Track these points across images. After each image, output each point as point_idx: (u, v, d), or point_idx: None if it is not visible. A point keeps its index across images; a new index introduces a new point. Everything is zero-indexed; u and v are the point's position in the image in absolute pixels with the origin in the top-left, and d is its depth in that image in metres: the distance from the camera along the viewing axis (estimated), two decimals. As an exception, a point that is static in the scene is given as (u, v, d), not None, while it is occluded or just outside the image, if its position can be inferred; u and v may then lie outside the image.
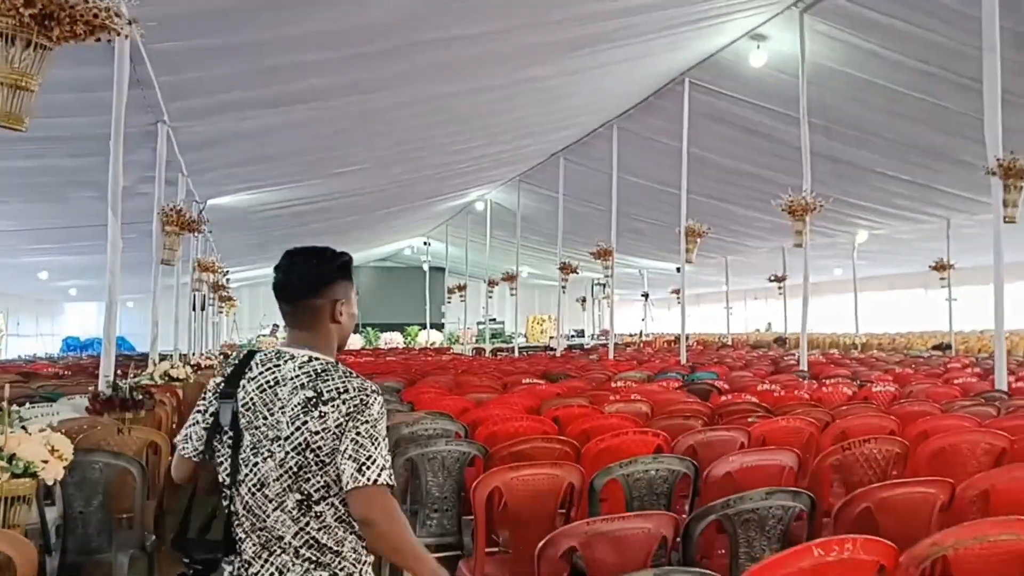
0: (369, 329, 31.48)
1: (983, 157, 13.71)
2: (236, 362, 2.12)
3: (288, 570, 1.93)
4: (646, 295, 28.45)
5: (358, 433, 1.90)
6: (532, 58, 9.33)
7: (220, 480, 2.01)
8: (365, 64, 8.12)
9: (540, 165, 19.14)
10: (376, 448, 1.91)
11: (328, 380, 1.96)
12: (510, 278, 21.23)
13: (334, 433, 1.91)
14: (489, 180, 20.42)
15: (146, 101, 7.63)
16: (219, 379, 2.11)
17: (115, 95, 5.97)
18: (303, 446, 1.91)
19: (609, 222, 21.44)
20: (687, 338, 26.69)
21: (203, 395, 2.12)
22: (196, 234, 9.22)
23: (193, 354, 16.99)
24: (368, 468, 1.87)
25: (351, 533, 1.98)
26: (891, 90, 11.74)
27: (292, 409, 1.94)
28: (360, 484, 1.85)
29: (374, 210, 19.73)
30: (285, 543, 1.93)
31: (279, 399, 1.97)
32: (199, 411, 2.11)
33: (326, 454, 1.91)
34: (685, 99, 12.87)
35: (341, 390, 1.95)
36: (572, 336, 34.44)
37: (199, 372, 11.72)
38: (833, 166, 15.10)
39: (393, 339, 30.96)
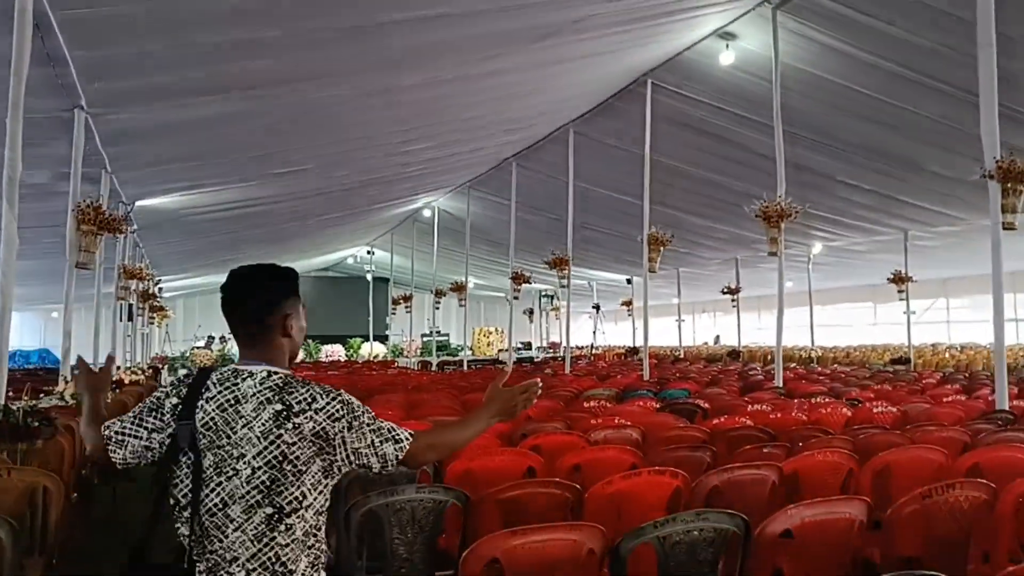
0: (309, 341, 30.26)
1: (950, 166, 13.70)
2: (190, 381, 2.12)
3: None
4: (597, 307, 27.90)
5: (369, 427, 2.06)
6: (494, 48, 8.58)
7: (175, 503, 2.02)
8: (310, 46, 7.26)
9: (491, 171, 18.41)
10: (386, 425, 2.10)
11: (294, 392, 2.02)
12: (458, 288, 20.40)
13: (310, 441, 1.99)
14: (438, 186, 19.61)
15: (59, 81, 6.67)
16: (174, 399, 2.09)
17: (13, 64, 5.04)
18: (280, 459, 1.97)
19: (561, 231, 20.91)
20: (636, 352, 26.32)
21: (153, 411, 2.10)
22: (117, 235, 8.20)
23: (118, 368, 15.77)
24: (399, 436, 2.09)
25: (305, 556, 2.00)
26: (860, 94, 11.30)
27: (262, 424, 1.99)
28: (406, 449, 2.08)
29: (317, 215, 18.75)
30: (238, 565, 1.95)
31: (242, 416, 2.01)
32: (144, 427, 2.09)
33: (303, 463, 1.98)
34: (647, 101, 12.27)
35: (310, 400, 2.02)
36: (519, 349, 33.77)
37: (122, 390, 10.67)
38: (794, 172, 14.66)
39: (335, 352, 29.82)
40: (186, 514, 1.98)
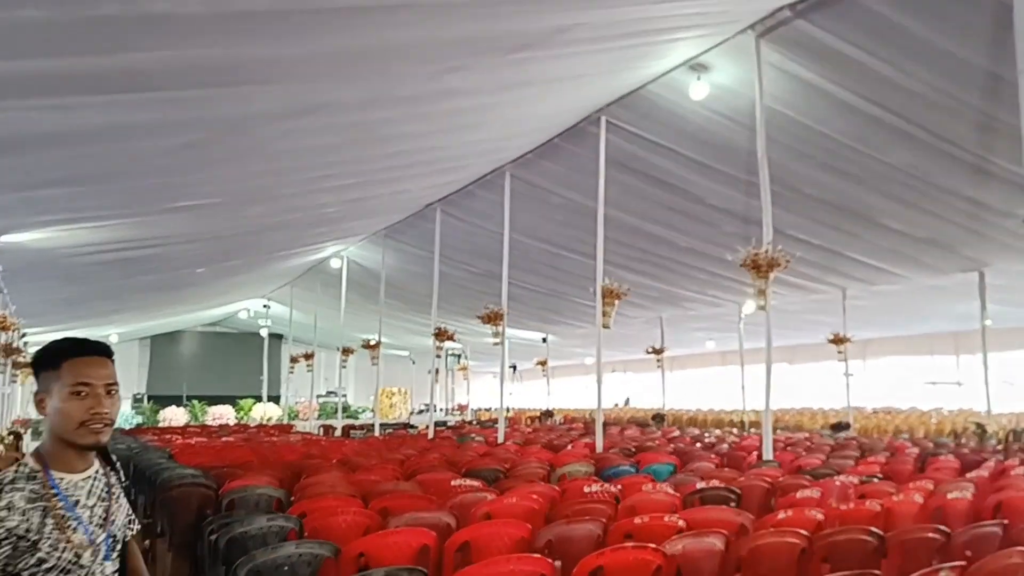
0: (195, 402, 27.72)
1: (905, 220, 13.15)
2: None
3: None
4: (514, 366, 26.50)
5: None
6: (460, 57, 7.26)
7: None
8: (227, 35, 5.70)
9: (410, 218, 16.97)
10: None
11: None
12: (372, 347, 18.67)
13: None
14: (351, 233, 18.01)
15: None
16: None
17: None
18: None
19: (484, 284, 19.68)
20: (551, 415, 25.04)
21: None
22: None
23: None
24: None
25: None
26: (830, 140, 10.54)
27: None
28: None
29: (218, 262, 16.82)
30: None
31: None
32: None
33: None
34: (601, 141, 11.18)
35: None
36: (423, 410, 32.06)
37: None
38: (742, 225, 13.89)
39: (223, 414, 27.32)
40: None
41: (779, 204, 12.76)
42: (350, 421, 25.62)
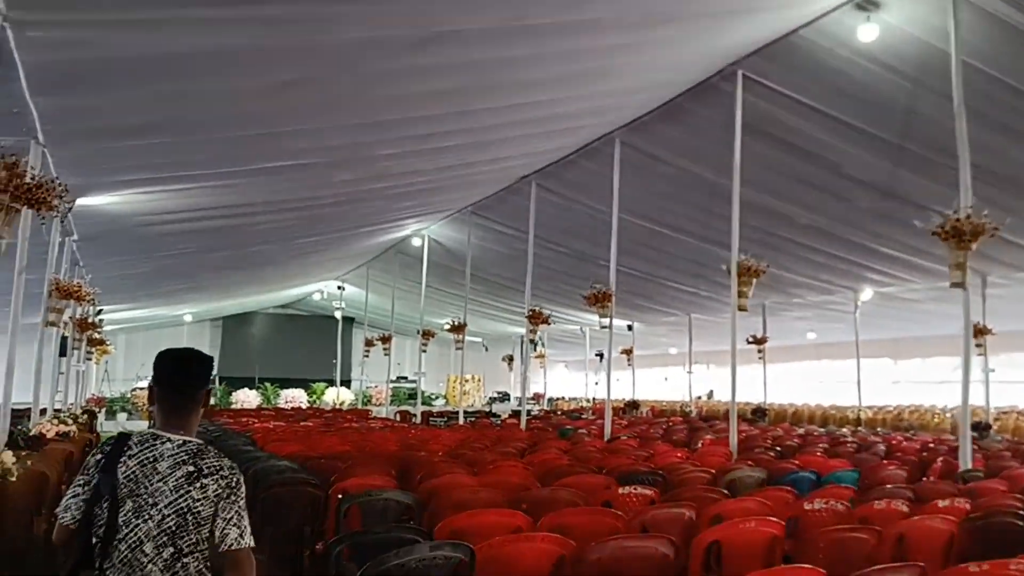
0: (267, 385, 27.08)
1: None
2: (113, 443, 2.54)
3: None
4: (600, 354, 25.20)
5: (239, 506, 2.53)
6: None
7: (94, 539, 2.40)
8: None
9: (500, 193, 15.80)
10: (247, 519, 2.55)
11: (206, 458, 2.52)
12: (456, 329, 17.56)
13: (211, 500, 2.47)
14: (436, 209, 16.92)
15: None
16: (99, 456, 2.51)
17: None
18: (184, 510, 2.43)
19: (576, 267, 18.46)
20: (636, 406, 23.68)
21: (83, 470, 2.53)
22: (42, 212, 5.26)
23: (43, 412, 12.79)
24: (246, 534, 2.52)
25: None
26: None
27: (175, 480, 2.44)
28: (243, 545, 2.49)
29: (295, 237, 15.88)
30: None
31: (159, 472, 2.45)
32: (79, 484, 2.50)
33: (202, 517, 2.45)
34: (738, 98, 9.84)
35: (218, 467, 2.52)
36: (497, 399, 31.05)
37: (43, 450, 7.69)
38: (878, 200, 12.39)
39: (295, 397, 26.64)
40: (107, 549, 2.38)
41: (926, 173, 11.30)
42: (425, 408, 24.68)
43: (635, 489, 4.83)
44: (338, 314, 27.36)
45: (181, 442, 2.49)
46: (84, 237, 12.13)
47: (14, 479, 4.99)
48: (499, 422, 18.82)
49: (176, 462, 2.44)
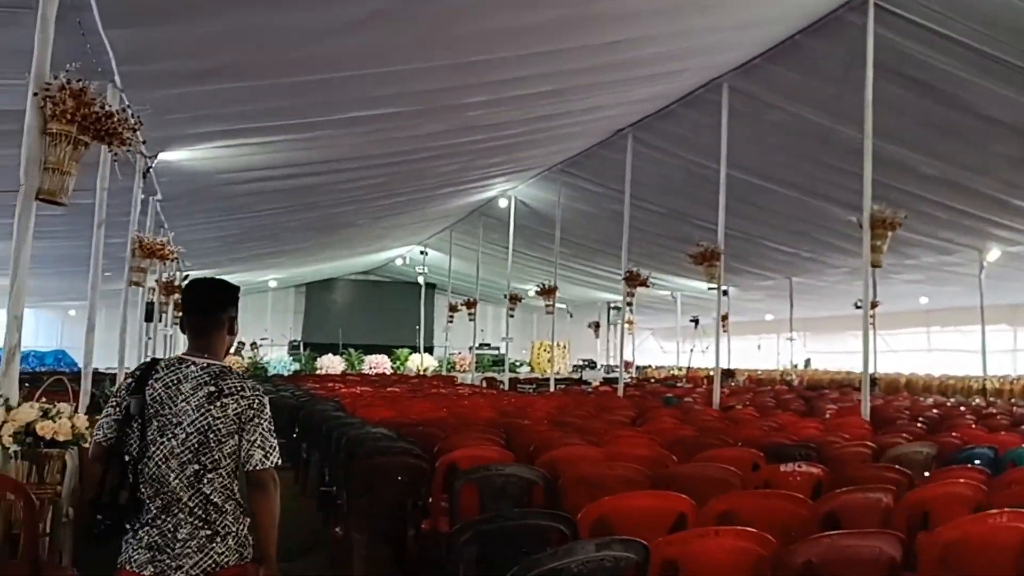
0: (351, 351, 26.93)
1: None
2: (142, 367, 2.73)
3: (180, 527, 2.54)
4: (696, 320, 24.22)
5: (264, 428, 2.65)
6: None
7: (127, 457, 2.57)
8: None
9: (593, 148, 14.95)
10: (274, 439, 2.67)
11: (227, 379, 2.65)
12: (547, 292, 16.84)
13: (232, 419, 2.60)
14: (524, 166, 16.17)
15: None
16: (129, 379, 2.71)
17: None
18: (205, 428, 2.57)
19: (668, 225, 17.52)
20: (732, 375, 22.64)
21: (116, 393, 2.75)
22: (114, 148, 4.66)
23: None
24: (272, 454, 2.64)
25: (231, 499, 2.63)
26: None
27: (196, 400, 2.59)
28: (267, 465, 2.62)
29: (380, 197, 15.36)
30: (182, 504, 2.55)
31: (182, 393, 2.61)
32: (112, 406, 2.68)
33: (223, 435, 2.58)
34: (869, 30, 8.80)
35: (239, 388, 2.65)
36: (583, 367, 30.32)
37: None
38: (1018, 146, 11.16)
39: (379, 363, 26.44)
40: (138, 466, 2.55)
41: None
42: (511, 374, 24.17)
43: (799, 467, 4.06)
44: (421, 279, 26.97)
45: (205, 364, 2.65)
46: (167, 197, 11.80)
47: (87, 445, 4.53)
48: (590, 389, 18.18)
49: (199, 383, 2.60)
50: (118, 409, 2.61)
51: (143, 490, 2.53)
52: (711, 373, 23.62)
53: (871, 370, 18.10)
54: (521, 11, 7.15)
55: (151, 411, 2.55)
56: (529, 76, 9.08)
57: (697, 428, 6.53)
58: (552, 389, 16.10)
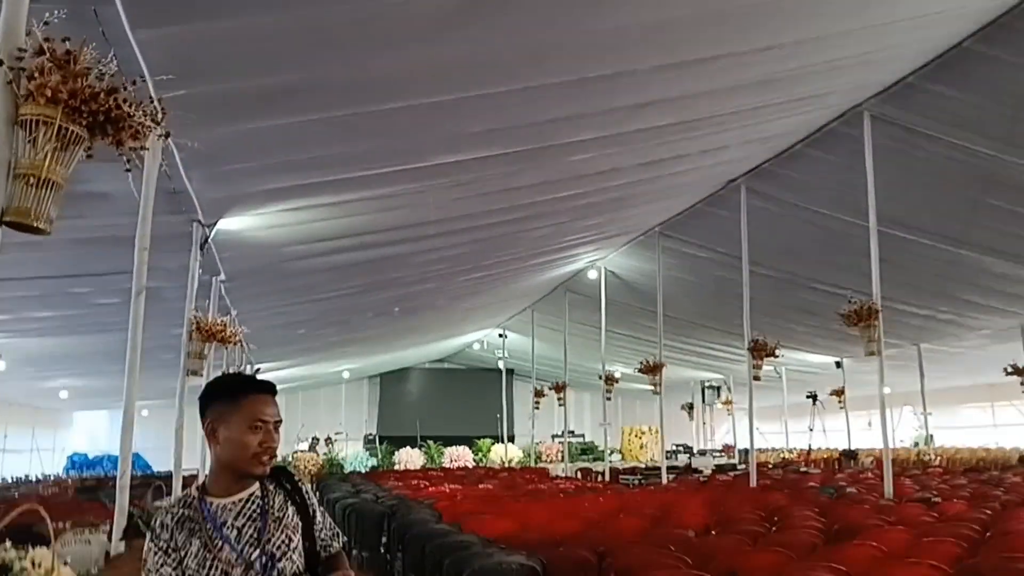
0: (430, 443, 25.22)
1: None
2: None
3: None
4: (814, 396, 21.92)
5: None
6: None
7: None
8: None
9: (699, 205, 13.28)
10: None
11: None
12: (651, 369, 14.95)
13: None
14: (617, 231, 14.58)
15: None
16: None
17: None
18: None
19: (779, 293, 15.63)
20: (854, 456, 20.15)
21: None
22: (124, 147, 3.16)
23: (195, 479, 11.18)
24: None
25: None
26: None
27: None
28: None
29: (458, 274, 13.87)
30: None
31: None
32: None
33: None
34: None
35: None
36: (676, 451, 28.01)
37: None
38: None
39: (461, 455, 24.63)
40: None
41: None
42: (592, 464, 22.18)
43: None
44: (501, 364, 25.35)
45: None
46: (231, 276, 10.47)
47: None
48: (702, 476, 16.16)
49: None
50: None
51: None
52: (833, 455, 21.25)
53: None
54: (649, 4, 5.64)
55: None
56: (650, 103, 7.54)
57: (904, 541, 4.59)
58: (664, 481, 14.04)
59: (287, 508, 2.34)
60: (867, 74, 8.80)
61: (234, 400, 2.29)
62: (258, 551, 2.20)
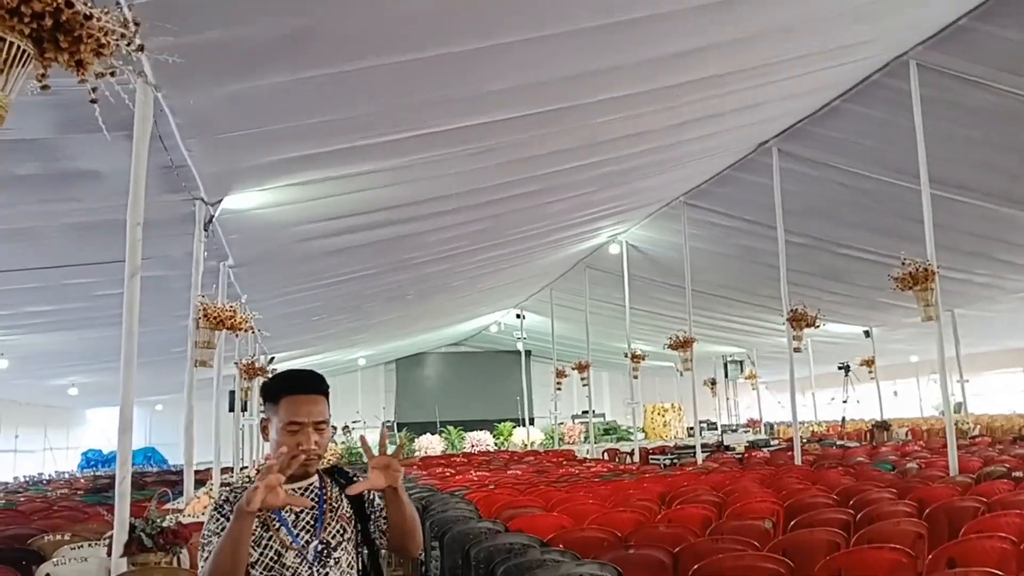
0: (450, 428, 24.74)
1: None
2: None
3: None
4: (847, 367, 21.25)
5: None
6: None
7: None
8: None
9: (727, 171, 12.61)
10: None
11: None
12: (681, 345, 14.30)
13: None
14: (641, 202, 13.94)
15: None
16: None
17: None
18: None
19: (808, 260, 14.99)
20: (887, 427, 19.53)
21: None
22: (86, 65, 2.62)
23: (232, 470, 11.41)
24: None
25: None
26: None
27: None
28: None
29: (474, 251, 13.26)
30: None
31: None
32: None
33: None
34: None
35: None
36: (703, 428, 27.39)
37: (178, 534, 5.16)
38: None
39: (481, 440, 24.14)
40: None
41: None
42: (623, 443, 21.65)
43: None
44: (520, 345, 24.80)
45: None
46: (240, 262, 9.92)
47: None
48: (736, 453, 15.63)
49: None
50: None
51: None
52: (865, 427, 20.61)
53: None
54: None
55: None
56: (683, 53, 6.90)
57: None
58: (699, 460, 13.46)
59: (343, 500, 2.39)
60: (915, 17, 8.12)
61: (275, 401, 2.35)
62: (314, 538, 2.27)
